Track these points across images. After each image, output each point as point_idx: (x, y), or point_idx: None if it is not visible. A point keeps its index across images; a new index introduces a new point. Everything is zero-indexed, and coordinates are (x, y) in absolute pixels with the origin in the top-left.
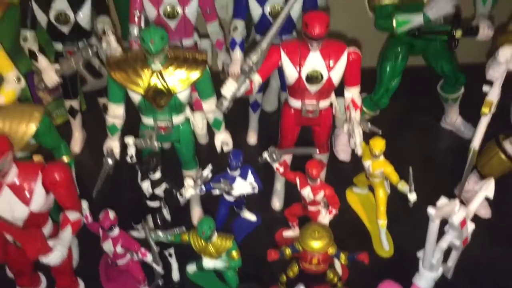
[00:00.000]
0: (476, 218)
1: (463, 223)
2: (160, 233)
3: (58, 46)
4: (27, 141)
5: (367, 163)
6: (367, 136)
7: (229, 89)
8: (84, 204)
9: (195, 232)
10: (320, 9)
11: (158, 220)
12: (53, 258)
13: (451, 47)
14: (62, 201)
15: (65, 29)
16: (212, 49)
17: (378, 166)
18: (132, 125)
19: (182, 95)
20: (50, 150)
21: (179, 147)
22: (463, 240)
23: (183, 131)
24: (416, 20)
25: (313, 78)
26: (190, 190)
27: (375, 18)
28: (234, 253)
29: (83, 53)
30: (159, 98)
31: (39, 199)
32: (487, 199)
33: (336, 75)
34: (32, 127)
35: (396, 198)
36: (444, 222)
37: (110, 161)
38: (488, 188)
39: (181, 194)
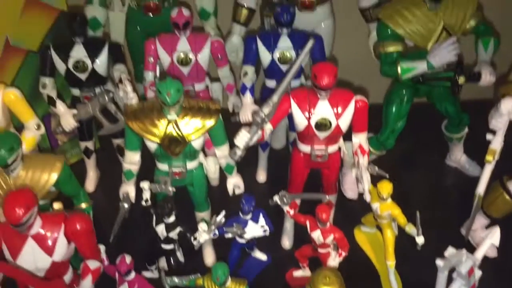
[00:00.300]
0: (482, 258)
1: (471, 271)
2: (175, 278)
3: (75, 91)
4: (48, 190)
5: (375, 205)
6: (375, 179)
7: (242, 139)
8: (102, 248)
9: (210, 277)
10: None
11: (172, 262)
12: None
13: (455, 92)
14: (83, 250)
15: (83, 76)
16: (223, 91)
17: (386, 209)
18: (146, 170)
19: (196, 142)
20: (69, 197)
21: (192, 190)
22: (470, 287)
23: (196, 175)
24: (420, 67)
25: (322, 125)
26: (204, 235)
27: (380, 65)
28: None
29: (99, 99)
30: (174, 146)
31: (62, 249)
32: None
33: (344, 122)
34: (54, 177)
35: (404, 238)
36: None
37: (126, 206)
38: (494, 236)
39: (195, 238)
